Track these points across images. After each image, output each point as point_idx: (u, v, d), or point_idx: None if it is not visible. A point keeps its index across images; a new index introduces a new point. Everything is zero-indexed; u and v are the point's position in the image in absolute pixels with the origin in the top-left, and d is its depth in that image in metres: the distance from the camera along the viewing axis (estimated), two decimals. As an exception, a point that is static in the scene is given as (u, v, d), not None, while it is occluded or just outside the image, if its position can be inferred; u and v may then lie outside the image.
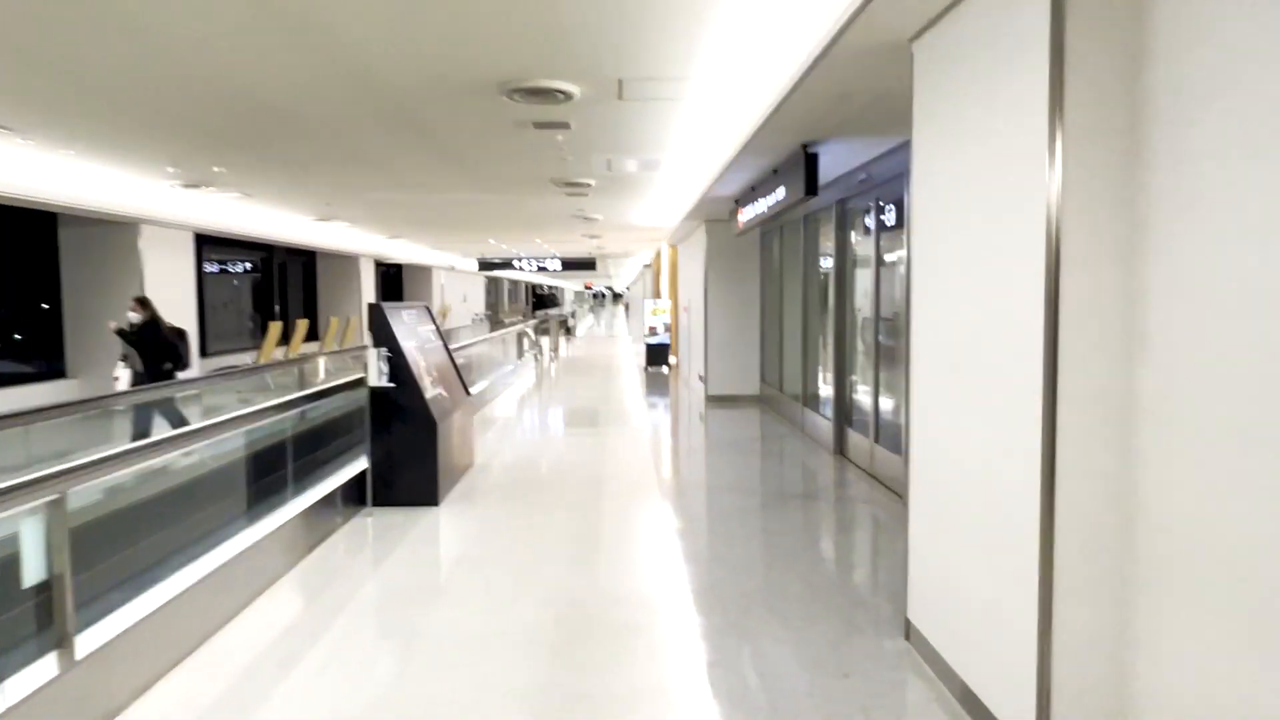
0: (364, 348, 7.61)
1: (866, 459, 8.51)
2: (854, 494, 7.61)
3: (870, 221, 8.43)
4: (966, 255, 3.61)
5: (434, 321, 8.73)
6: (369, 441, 7.05)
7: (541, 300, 75.66)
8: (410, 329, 7.69)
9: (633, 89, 6.67)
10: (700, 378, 14.45)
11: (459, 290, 35.92)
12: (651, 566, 5.60)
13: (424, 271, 31.16)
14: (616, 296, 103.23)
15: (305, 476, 6.55)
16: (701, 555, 5.84)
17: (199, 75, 6.35)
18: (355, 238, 20.24)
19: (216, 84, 6.57)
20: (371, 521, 6.74)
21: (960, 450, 3.70)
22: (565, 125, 7.91)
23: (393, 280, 30.58)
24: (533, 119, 7.65)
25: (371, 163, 10.00)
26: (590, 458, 9.35)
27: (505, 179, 11.26)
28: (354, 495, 6.94)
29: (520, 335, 20.13)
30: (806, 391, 11.09)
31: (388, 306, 7.26)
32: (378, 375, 6.79)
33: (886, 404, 8.18)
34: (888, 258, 8.06)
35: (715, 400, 13.92)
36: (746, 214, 10.03)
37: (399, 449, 7.08)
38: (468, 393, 8.75)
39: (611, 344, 29.06)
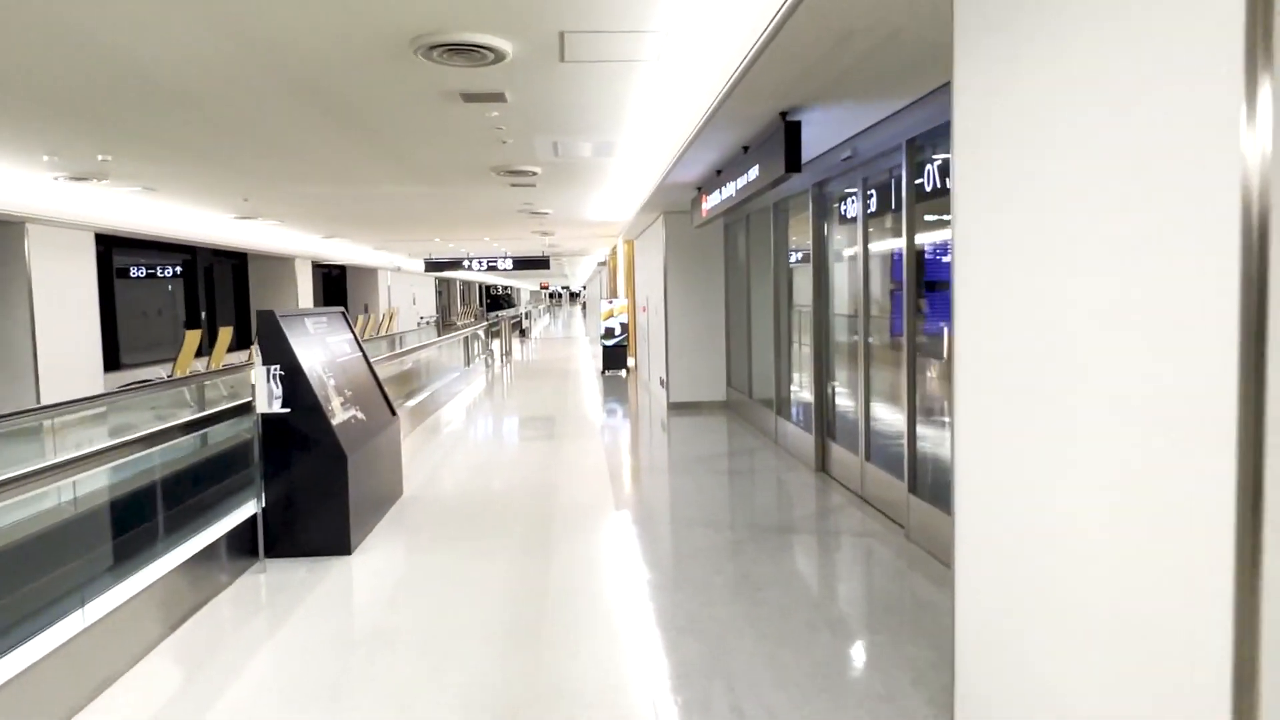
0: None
1: (854, 479, 7.41)
2: (845, 524, 6.50)
3: (854, 207, 7.34)
4: (1069, 236, 2.47)
5: (350, 329, 7.48)
6: (260, 480, 5.79)
7: (496, 301, 73.97)
8: (317, 340, 6.45)
9: (578, 46, 5.49)
10: (661, 382, 13.32)
11: (407, 292, 34.44)
12: (609, 639, 4.43)
13: (368, 274, 29.66)
14: (574, 295, 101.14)
15: (175, 528, 5.29)
16: (672, 619, 4.68)
17: (69, 45, 5.06)
18: (288, 238, 18.83)
19: (90, 57, 5.29)
20: (264, 579, 5.48)
21: (1059, 507, 2.57)
22: (499, 97, 6.71)
23: (336, 283, 29.05)
24: (461, 89, 6.44)
25: (284, 149, 8.71)
26: (540, 481, 8.16)
27: (439, 167, 10.02)
28: (244, 545, 5.68)
29: (468, 340, 18.85)
30: (780, 398, 9.99)
31: (284, 314, 6.01)
32: (268, 399, 5.52)
33: (880, 415, 7.08)
34: (877, 247, 6.96)
35: (678, 408, 12.78)
36: (711, 201, 8.89)
37: (300, 487, 5.84)
38: (393, 412, 7.52)
39: (568, 345, 27.78)
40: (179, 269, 17.92)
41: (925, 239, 6.02)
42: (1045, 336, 2.57)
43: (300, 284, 21.79)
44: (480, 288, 67.96)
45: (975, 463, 3.02)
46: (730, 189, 7.77)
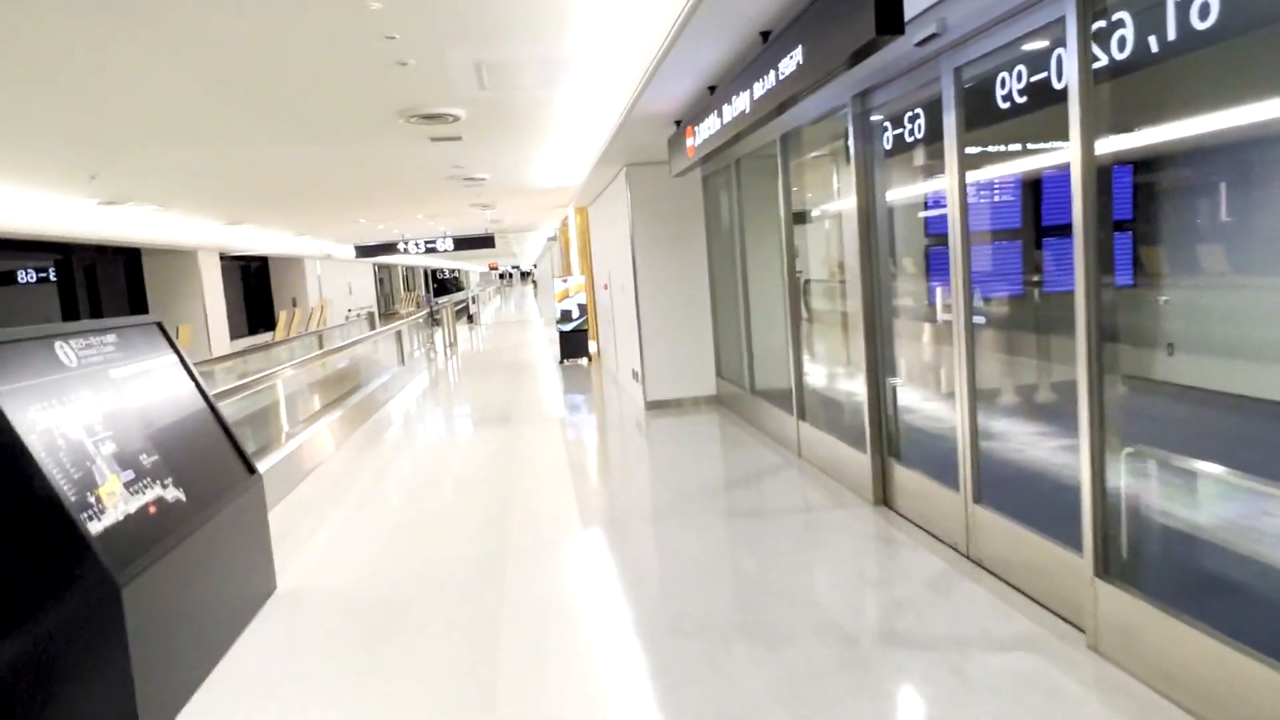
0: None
1: (951, 526, 4.98)
2: (971, 621, 4.06)
3: (918, 125, 4.87)
4: None
5: (174, 352, 4.86)
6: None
7: (444, 286, 70.42)
8: (82, 380, 3.85)
9: None
10: (635, 375, 10.81)
11: (341, 282, 31.42)
12: None
13: (293, 264, 26.71)
14: (525, 275, 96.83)
15: None
16: None
17: None
18: (182, 227, 15.97)
19: None
20: None
21: None
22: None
23: (258, 276, 26.08)
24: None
25: (123, 103, 6.02)
26: (481, 555, 5.63)
27: (328, 112, 7.36)
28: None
29: (405, 333, 16.10)
30: (800, 398, 7.54)
31: (5, 338, 3.42)
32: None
33: (996, 430, 4.65)
34: (985, 173, 4.50)
35: (658, 407, 10.31)
36: (704, 132, 6.37)
37: (40, 645, 3.28)
38: (250, 470, 4.94)
39: (521, 330, 24.96)
40: (48, 271, 15.03)
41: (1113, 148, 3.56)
42: None
43: (206, 280, 18.92)
44: (425, 273, 64.28)
45: None
46: (740, 103, 5.25)
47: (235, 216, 15.64)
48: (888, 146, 5.51)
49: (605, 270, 12.50)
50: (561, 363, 14.27)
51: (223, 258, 20.82)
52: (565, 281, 14.38)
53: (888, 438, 5.86)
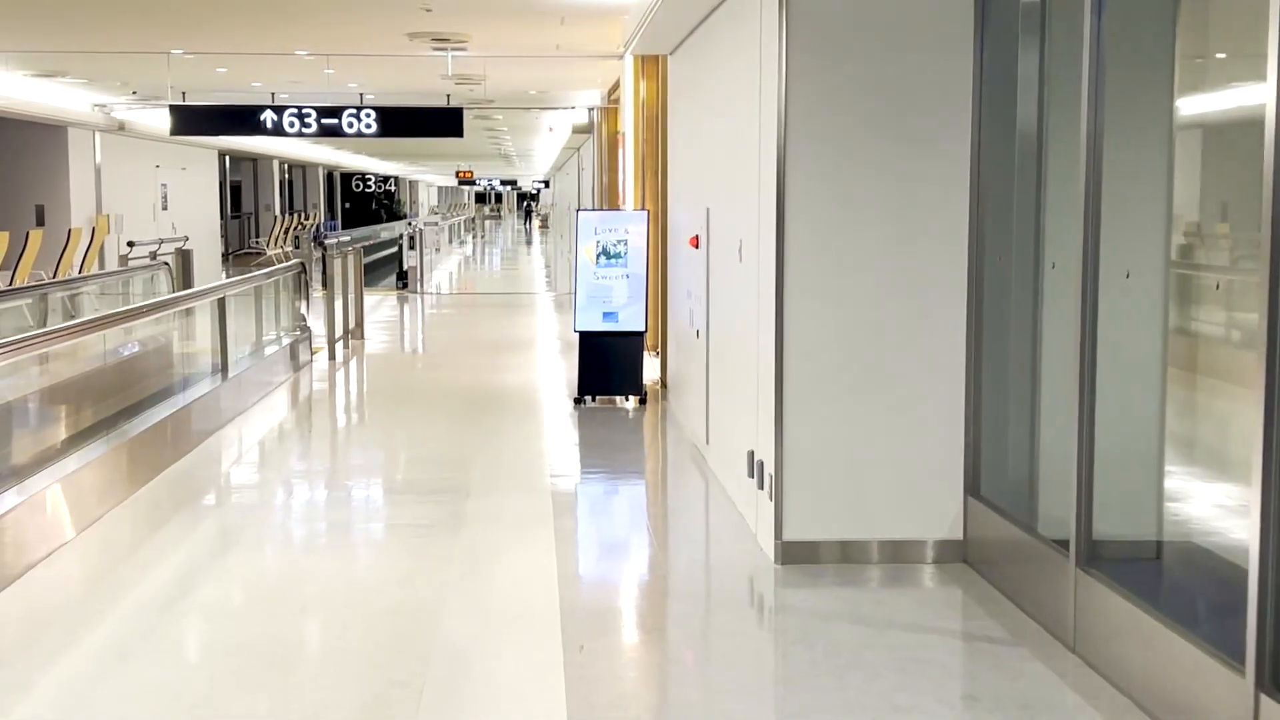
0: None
1: None
2: None
3: None
4: None
5: None
6: None
7: (377, 205, 40.10)
8: None
9: None
10: (753, 470, 4.42)
11: (148, 180, 18.20)
12: None
13: (44, 135, 14.61)
14: (527, 202, 56.77)
15: None
16: None
17: None
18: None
19: None
20: None
21: None
22: None
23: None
24: None
25: None
26: None
27: None
28: None
29: (221, 305, 7.35)
30: None
31: None
32: None
33: None
34: None
35: (804, 561, 4.04)
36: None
37: None
38: None
39: (507, 312, 14.76)
40: None
41: None
42: None
43: None
44: (334, 178, 35.85)
45: None
46: None
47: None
48: None
49: (697, 206, 5.90)
50: (580, 402, 7.62)
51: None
52: (603, 226, 7.61)
53: None
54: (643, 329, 7.55)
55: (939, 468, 4.08)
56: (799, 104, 3.97)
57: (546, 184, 41.73)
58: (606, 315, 7.57)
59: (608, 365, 7.58)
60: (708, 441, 5.80)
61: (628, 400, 7.62)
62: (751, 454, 4.45)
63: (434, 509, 5.04)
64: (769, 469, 4.15)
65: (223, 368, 7.05)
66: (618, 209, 10.15)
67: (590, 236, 7.66)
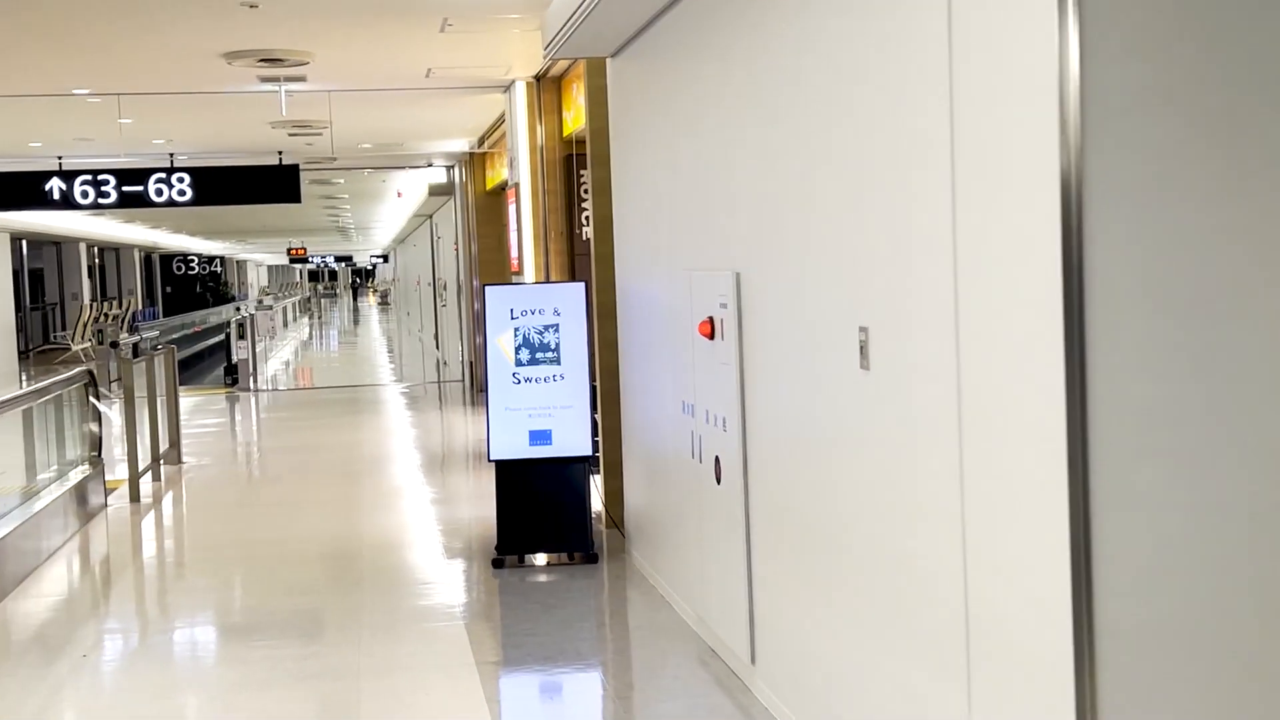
0: None
1: None
2: None
3: None
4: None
5: None
6: None
7: (202, 288, 36.59)
8: None
9: None
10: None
11: None
12: None
13: None
14: (356, 278, 54.52)
15: None
16: None
17: None
18: None
19: None
20: None
21: None
22: None
23: None
24: None
25: None
26: None
27: None
28: None
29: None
30: None
31: None
32: None
33: None
34: None
35: None
36: None
37: None
38: None
39: (359, 412, 11.92)
40: None
41: None
42: None
43: None
44: (153, 260, 32.71)
45: None
46: None
47: None
48: None
49: (700, 271, 3.63)
50: (501, 564, 5.09)
51: None
52: (523, 306, 5.07)
53: None
54: (588, 452, 5.22)
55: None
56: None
57: (385, 258, 40.11)
58: (535, 436, 5.20)
59: (539, 508, 5.20)
60: (753, 659, 3.51)
61: (571, 558, 5.22)
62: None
63: None
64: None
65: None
66: (517, 269, 7.98)
67: (504, 324, 5.30)
